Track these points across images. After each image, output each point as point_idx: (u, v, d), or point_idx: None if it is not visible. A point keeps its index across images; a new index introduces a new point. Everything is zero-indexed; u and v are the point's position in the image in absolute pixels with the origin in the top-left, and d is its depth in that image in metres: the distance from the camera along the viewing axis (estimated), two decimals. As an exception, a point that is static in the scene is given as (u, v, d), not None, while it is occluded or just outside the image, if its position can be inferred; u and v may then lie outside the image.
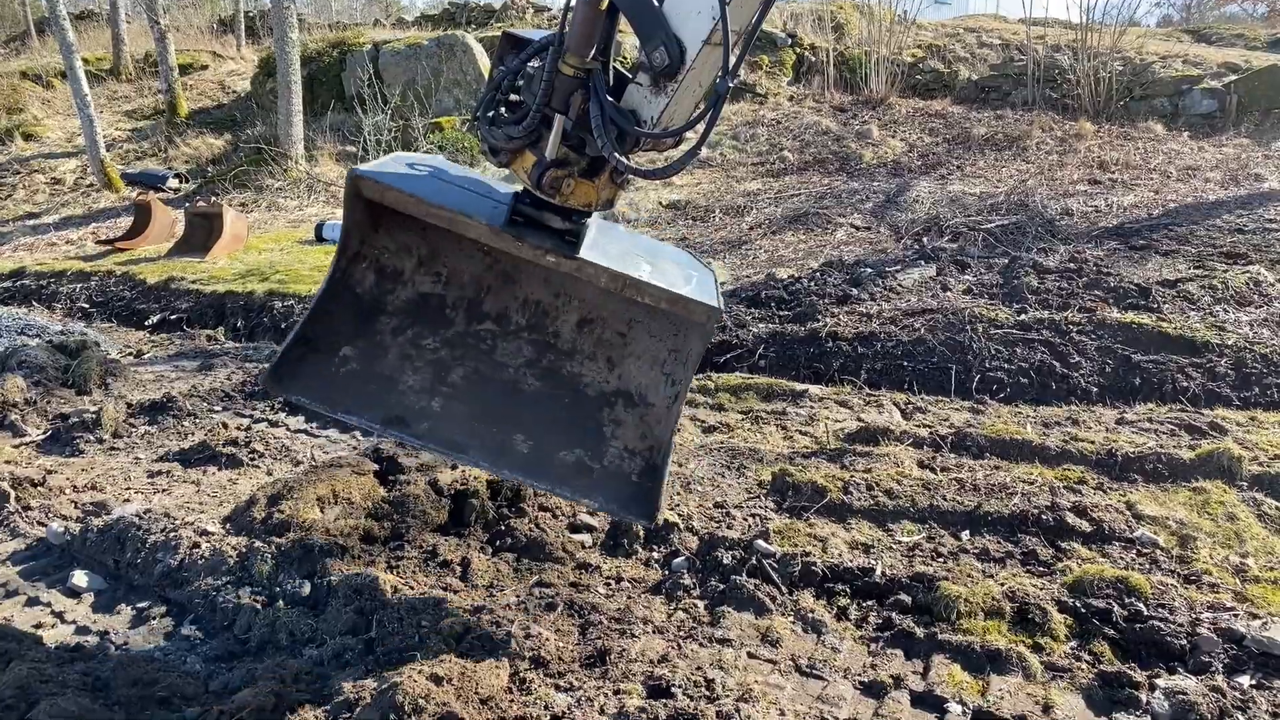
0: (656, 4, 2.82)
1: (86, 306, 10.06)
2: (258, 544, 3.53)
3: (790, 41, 17.56)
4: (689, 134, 3.01)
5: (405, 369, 3.15)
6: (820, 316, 6.64)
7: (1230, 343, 5.51)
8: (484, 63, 17.95)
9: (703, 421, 5.24)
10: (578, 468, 3.17)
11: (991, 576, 3.36)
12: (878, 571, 3.37)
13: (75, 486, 4.53)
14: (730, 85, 2.63)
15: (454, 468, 4.07)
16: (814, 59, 17.28)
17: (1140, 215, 8.80)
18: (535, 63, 2.96)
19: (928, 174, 12.05)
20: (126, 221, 14.07)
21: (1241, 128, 12.28)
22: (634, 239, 3.30)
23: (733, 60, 2.62)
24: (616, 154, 2.82)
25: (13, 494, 4.28)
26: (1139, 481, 4.14)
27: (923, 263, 7.76)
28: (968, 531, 3.73)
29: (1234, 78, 13.10)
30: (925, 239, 8.68)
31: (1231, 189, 9.59)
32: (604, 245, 3.05)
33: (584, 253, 2.94)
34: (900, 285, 7.22)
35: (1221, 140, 11.96)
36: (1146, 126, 12.80)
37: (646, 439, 3.28)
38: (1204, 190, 9.69)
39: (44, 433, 5.42)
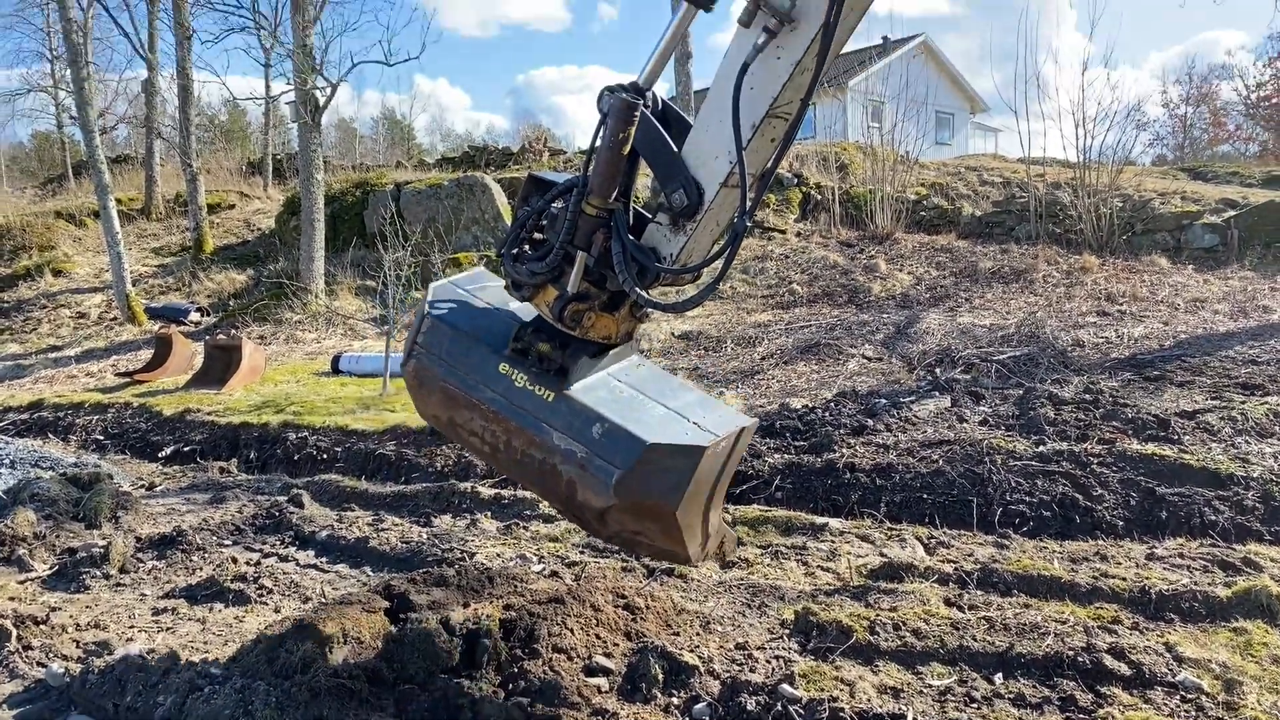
0: (675, 149, 2.95)
1: (101, 438, 10.11)
2: (264, 686, 3.40)
3: (797, 181, 18.18)
4: (706, 270, 3.09)
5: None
6: (837, 447, 6.59)
7: (1256, 475, 5.42)
8: (502, 202, 18.60)
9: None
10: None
11: (1030, 724, 3.19)
12: (909, 718, 3.21)
13: (78, 625, 4.42)
14: (748, 225, 2.71)
15: (465, 606, 3.97)
16: (820, 197, 17.83)
17: (1152, 346, 8.84)
18: (559, 203, 3.07)
19: (936, 306, 12.22)
20: (147, 354, 14.32)
21: (1245, 261, 12.48)
22: (656, 381, 3.32)
23: (750, 201, 2.71)
24: (638, 289, 2.89)
25: (14, 632, 4.17)
26: (1176, 621, 3.99)
27: (937, 393, 7.76)
28: (1000, 674, 3.57)
29: (1233, 213, 13.41)
30: (938, 370, 8.71)
31: (1241, 320, 9.66)
32: (609, 384, 3.13)
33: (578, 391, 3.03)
34: (915, 416, 7.19)
35: (1226, 273, 12.14)
36: (1151, 260, 13.02)
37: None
38: (1213, 322, 9.76)
39: (51, 568, 5.33)
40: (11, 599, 4.75)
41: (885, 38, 35.33)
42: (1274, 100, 36.59)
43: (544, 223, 3.10)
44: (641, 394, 3.16)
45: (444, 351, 3.28)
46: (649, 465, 2.88)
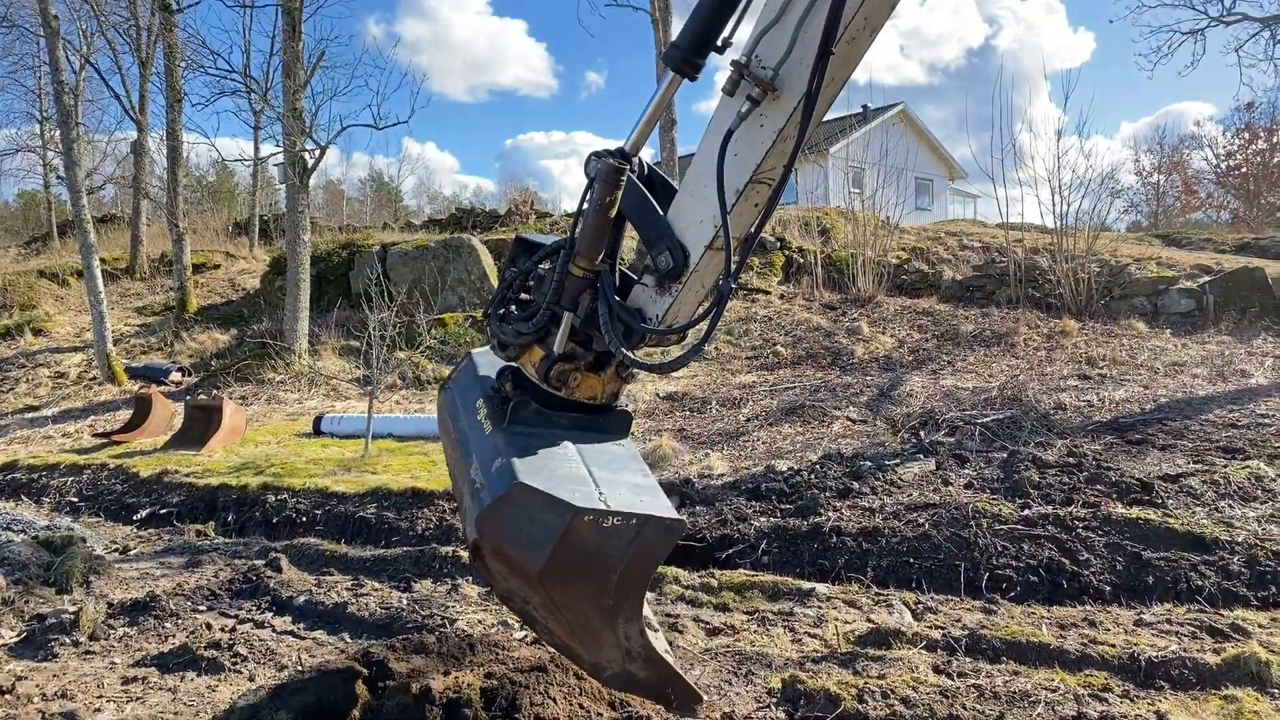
0: (661, 213, 2.99)
1: (76, 500, 9.92)
2: (234, 761, 3.30)
3: (780, 244, 18.42)
4: (691, 331, 3.11)
5: None
6: (823, 510, 6.56)
7: (1240, 539, 5.42)
8: (488, 263, 18.73)
9: (707, 623, 5.05)
10: None
11: (1023, 797, 3.13)
12: (900, 791, 3.14)
13: (45, 694, 4.27)
14: (733, 287, 2.74)
15: (446, 674, 3.87)
16: (802, 260, 18.06)
17: (1134, 409, 8.91)
18: (545, 265, 3.10)
19: (919, 369, 12.30)
20: (126, 414, 14.14)
21: (1221, 325, 12.68)
22: (609, 455, 3.09)
23: (734, 264, 2.74)
24: (624, 350, 2.90)
25: (-23, 703, 4.04)
26: (1166, 688, 3.94)
27: (921, 456, 7.76)
28: (992, 745, 3.51)
29: (1208, 279, 13.67)
30: (922, 432, 8.73)
31: (1219, 384, 9.77)
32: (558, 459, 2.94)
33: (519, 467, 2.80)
34: (901, 479, 7.18)
35: (1203, 337, 12.32)
36: (1129, 324, 13.21)
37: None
38: (1192, 386, 9.86)
39: (18, 635, 5.18)
40: (-24, 667, 4.60)
41: (865, 106, 36.21)
42: (1243, 169, 37.60)
43: (531, 284, 3.13)
44: (579, 458, 2.94)
45: (459, 386, 3.52)
46: (514, 507, 2.69)
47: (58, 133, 21.98)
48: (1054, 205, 15.71)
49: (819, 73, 2.43)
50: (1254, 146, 37.38)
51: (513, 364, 3.23)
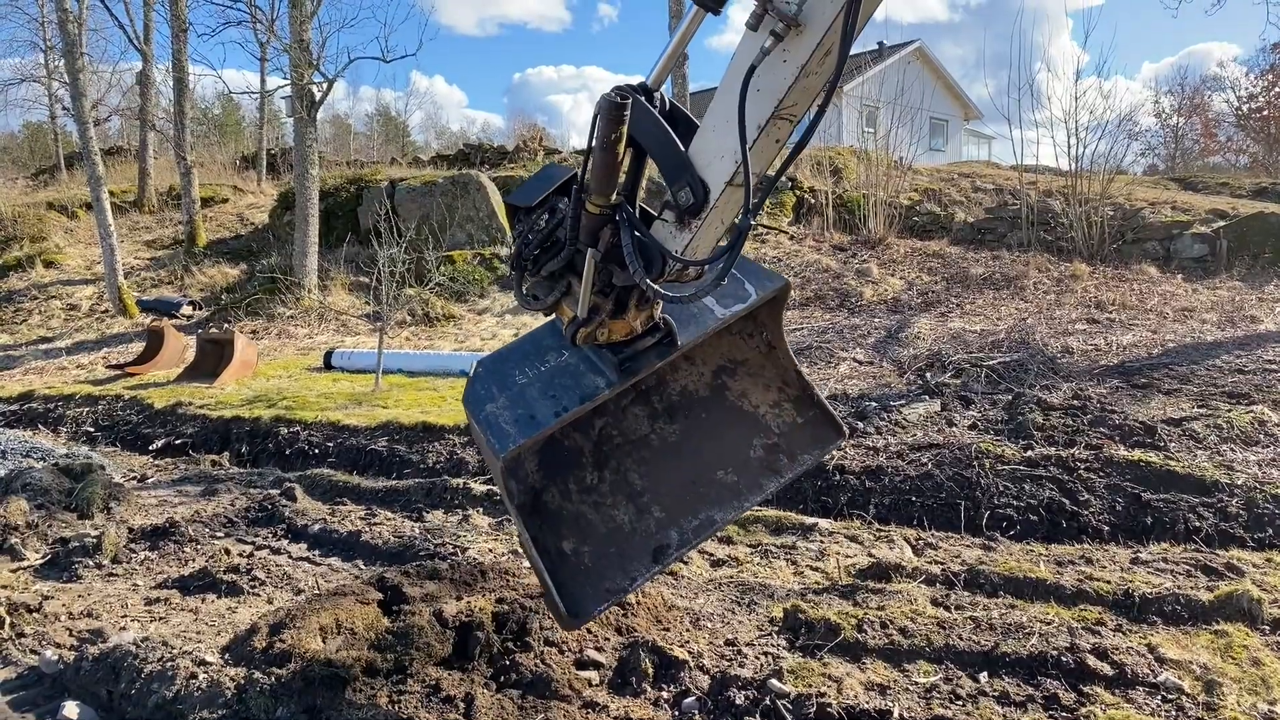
0: (682, 149, 3.00)
1: (92, 430, 10.09)
2: (257, 675, 3.43)
3: (791, 184, 18.26)
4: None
5: (607, 513, 3.43)
6: (827, 450, 6.64)
7: (1240, 482, 5.49)
8: (496, 200, 18.62)
9: (711, 555, 5.17)
10: (767, 457, 3.62)
11: (1013, 721, 3.25)
12: (895, 714, 3.26)
13: (71, 613, 4.43)
14: (752, 223, 2.76)
15: (459, 599, 4.00)
16: (813, 201, 17.92)
17: (1140, 354, 8.93)
18: (563, 204, 3.11)
19: (927, 311, 12.30)
20: (138, 347, 14.28)
21: (1233, 271, 12.61)
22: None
23: (754, 201, 2.75)
24: (647, 280, 2.94)
25: (7, 620, 4.19)
26: (1159, 624, 4.05)
27: (927, 397, 7.82)
28: (986, 673, 3.63)
29: (1222, 223, 13.55)
30: (928, 374, 8.78)
31: (1228, 330, 9.76)
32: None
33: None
34: (905, 420, 7.26)
35: (1214, 283, 12.26)
36: (1140, 268, 13.14)
37: (770, 386, 3.76)
38: (1201, 331, 9.86)
39: (43, 557, 5.34)
40: (4, 587, 4.76)
41: (881, 43, 35.51)
42: (1264, 112, 36.88)
43: (545, 220, 3.15)
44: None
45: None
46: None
47: (62, 62, 21.74)
48: (1070, 147, 15.53)
49: (853, 6, 2.41)
50: (1277, 89, 36.61)
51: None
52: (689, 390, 3.76)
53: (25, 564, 5.24)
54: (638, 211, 3.09)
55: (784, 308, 3.72)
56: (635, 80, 3.08)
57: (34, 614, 4.35)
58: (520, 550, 3.53)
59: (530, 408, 3.05)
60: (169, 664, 3.56)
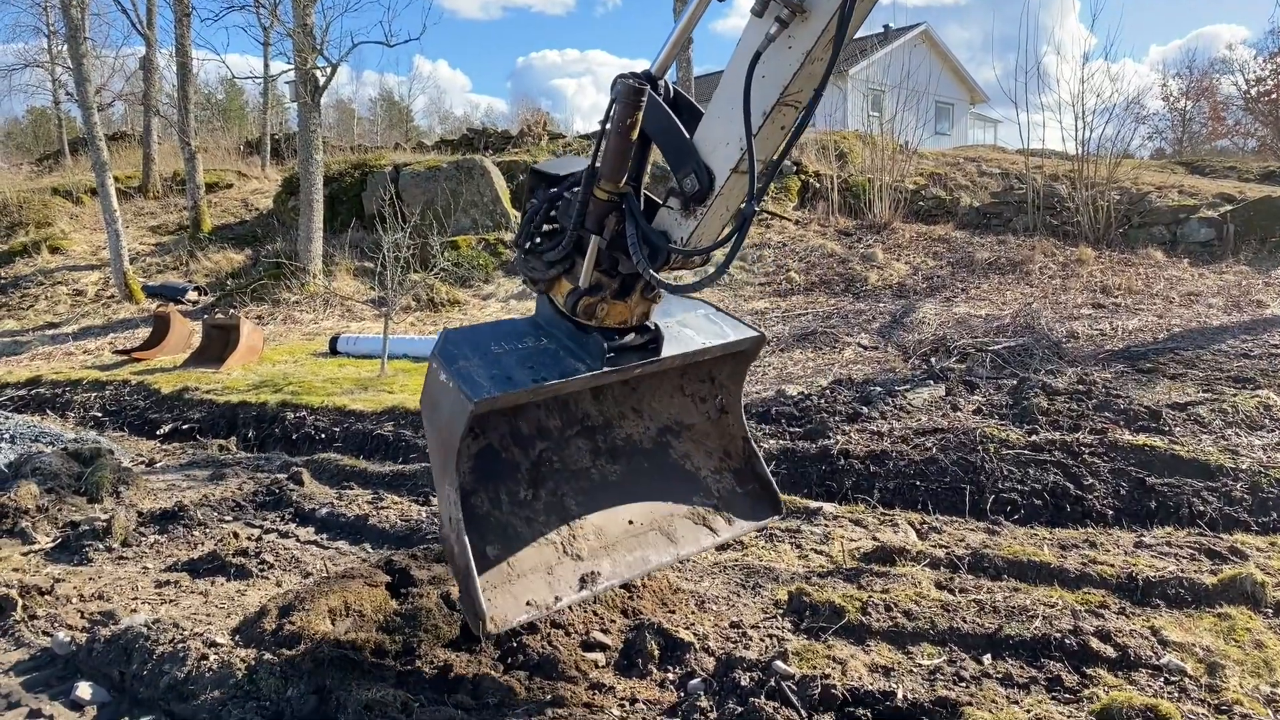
0: (687, 135, 3.00)
1: (100, 415, 10.14)
2: (267, 656, 3.48)
3: (796, 169, 18.20)
4: (715, 253, 3.15)
5: (538, 530, 3.31)
6: (831, 434, 6.66)
7: (1244, 467, 5.50)
8: (501, 185, 18.59)
9: (716, 538, 5.20)
10: (706, 516, 3.64)
11: (1016, 703, 3.27)
12: (899, 695, 3.29)
13: (82, 595, 4.48)
14: (756, 209, 2.77)
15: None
16: (818, 185, 17.86)
17: (1146, 339, 8.91)
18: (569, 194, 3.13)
19: (933, 296, 12.28)
20: (145, 332, 14.32)
21: (1240, 256, 12.56)
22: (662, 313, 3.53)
23: (758, 187, 2.76)
24: (650, 270, 2.95)
25: (20, 602, 4.24)
26: (1162, 607, 4.07)
27: (931, 382, 7.83)
28: (989, 655, 3.65)
29: (1229, 208, 13.48)
30: (933, 359, 8.78)
31: (1234, 315, 9.74)
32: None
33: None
34: (910, 404, 7.27)
35: (1221, 267, 12.22)
36: (1146, 253, 13.10)
37: (713, 453, 3.78)
38: (1207, 316, 9.83)
39: (53, 540, 5.39)
40: (16, 570, 4.82)
41: (887, 26, 35.20)
42: (1273, 96, 36.58)
43: (554, 213, 3.17)
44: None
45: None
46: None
47: (66, 47, 21.70)
48: (1076, 131, 15.44)
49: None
50: (1286, 72, 36.28)
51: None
52: (633, 439, 3.73)
53: (36, 547, 5.29)
54: (642, 200, 3.10)
55: (748, 367, 3.75)
56: (640, 67, 3.09)
57: (46, 596, 4.39)
58: (441, 537, 3.29)
59: (507, 371, 3.00)
60: (180, 645, 3.60)
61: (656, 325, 3.28)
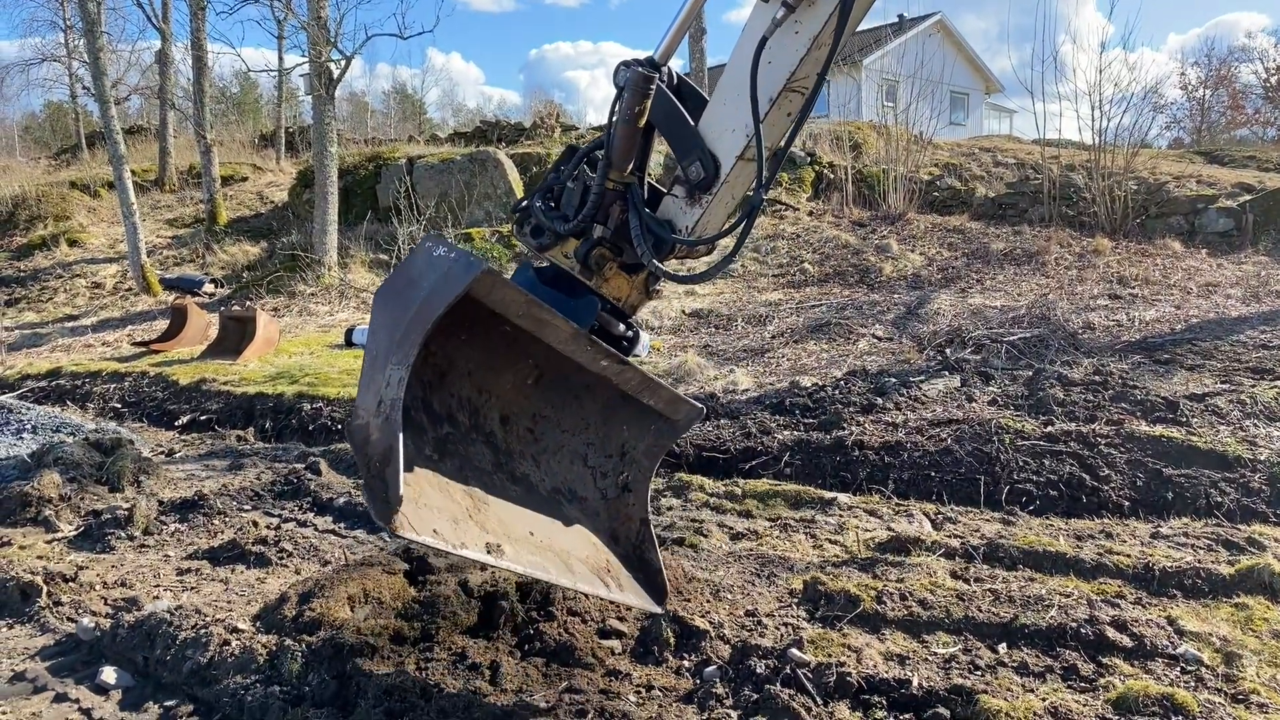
0: (692, 123, 3.00)
1: (119, 406, 10.24)
2: (288, 642, 3.52)
3: (809, 160, 18.14)
4: (721, 243, 3.15)
5: (454, 485, 3.05)
6: (846, 425, 6.66)
7: (1263, 458, 5.47)
8: (514, 177, 18.62)
9: (730, 528, 5.22)
10: (600, 568, 3.38)
11: (1032, 691, 3.28)
12: (914, 683, 3.30)
13: (106, 583, 4.54)
14: (764, 198, 2.76)
15: (483, 569, 4.06)
16: (833, 176, 17.80)
17: (1163, 330, 8.86)
18: (587, 171, 3.13)
19: (948, 287, 12.24)
20: (163, 324, 14.44)
21: (1259, 245, 12.46)
22: None
23: (765, 175, 2.75)
24: (655, 261, 2.95)
25: (45, 589, 4.30)
26: (1178, 597, 4.06)
27: (946, 373, 7.81)
28: (1005, 644, 3.66)
29: (1249, 197, 13.36)
30: (948, 350, 8.76)
31: (1253, 305, 9.67)
32: None
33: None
34: (925, 395, 7.25)
35: (1240, 258, 12.12)
36: (1164, 243, 13.00)
37: (601, 531, 3.57)
38: (1226, 306, 9.77)
39: (76, 529, 5.46)
40: (40, 557, 4.89)
41: (901, 15, 35.04)
42: (1293, 84, 36.17)
43: (562, 195, 3.17)
44: None
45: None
46: None
47: (82, 41, 21.84)
48: (1093, 120, 15.32)
49: None
50: (1307, 60, 35.87)
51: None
52: (530, 481, 3.47)
53: (59, 535, 5.36)
54: (646, 190, 3.09)
55: (670, 445, 3.52)
56: (645, 55, 3.08)
57: (70, 583, 4.45)
58: (353, 428, 2.76)
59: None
60: (202, 631, 3.65)
61: (638, 330, 3.26)
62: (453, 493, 2.98)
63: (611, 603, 3.96)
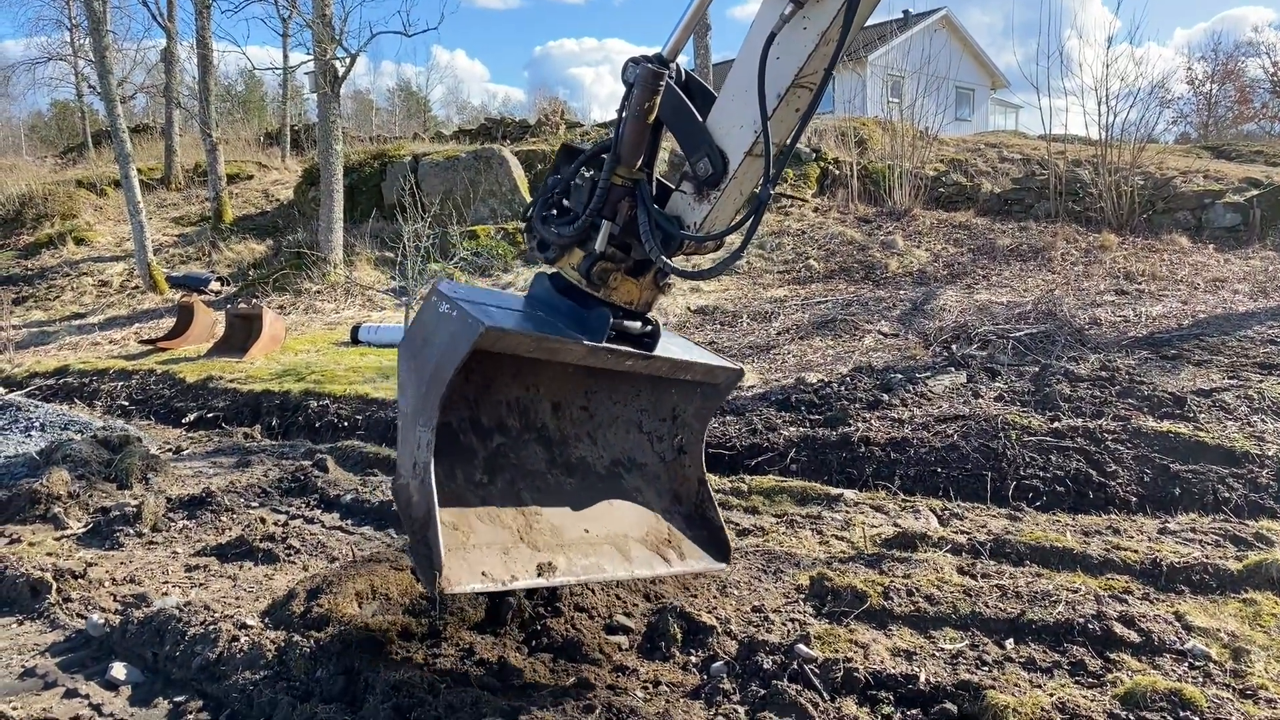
0: (700, 119, 3.00)
1: (126, 404, 10.28)
2: (296, 638, 3.53)
3: (815, 156, 18.11)
4: (730, 239, 3.15)
5: (494, 512, 3.20)
6: (852, 421, 6.66)
7: (1270, 453, 5.45)
8: (519, 174, 18.62)
9: (737, 524, 5.22)
10: (659, 545, 3.55)
11: (1039, 686, 3.28)
12: (922, 678, 3.30)
13: (115, 579, 4.56)
14: (771, 193, 2.76)
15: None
16: (838, 172, 17.77)
17: (1170, 325, 8.83)
18: (585, 172, 3.13)
19: (953, 283, 12.21)
20: (169, 322, 14.49)
21: (1267, 240, 12.41)
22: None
23: (773, 170, 2.75)
24: (663, 257, 2.95)
25: (54, 585, 4.33)
26: (1186, 592, 4.05)
27: (953, 369, 7.80)
28: (1012, 640, 3.66)
29: (1256, 192, 13.31)
30: (954, 346, 8.74)
31: (1261, 300, 9.63)
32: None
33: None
34: (931, 391, 7.25)
35: (1247, 253, 12.08)
36: (1171, 239, 12.96)
37: (663, 494, 3.71)
38: (1233, 301, 9.73)
39: (85, 525, 5.49)
40: (49, 554, 4.91)
41: (906, 11, 34.99)
42: (1301, 79, 36.00)
43: (573, 188, 3.17)
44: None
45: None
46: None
47: (88, 40, 21.88)
48: (1100, 116, 15.27)
49: None
50: (1315, 54, 35.69)
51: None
52: (587, 462, 3.63)
53: (68, 532, 5.39)
54: (654, 186, 3.10)
55: (717, 407, 3.66)
56: (652, 52, 3.08)
57: (79, 580, 4.47)
58: (396, 489, 3.05)
59: (513, 318, 2.93)
60: (211, 627, 3.66)
61: (656, 321, 3.27)
62: (503, 519, 3.17)
63: (619, 599, 3.98)
